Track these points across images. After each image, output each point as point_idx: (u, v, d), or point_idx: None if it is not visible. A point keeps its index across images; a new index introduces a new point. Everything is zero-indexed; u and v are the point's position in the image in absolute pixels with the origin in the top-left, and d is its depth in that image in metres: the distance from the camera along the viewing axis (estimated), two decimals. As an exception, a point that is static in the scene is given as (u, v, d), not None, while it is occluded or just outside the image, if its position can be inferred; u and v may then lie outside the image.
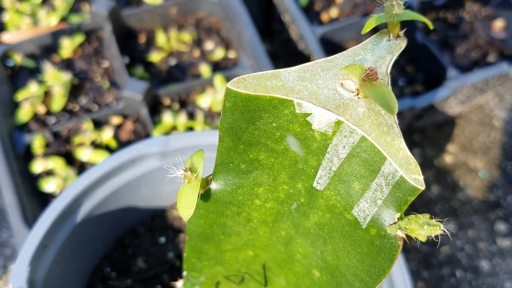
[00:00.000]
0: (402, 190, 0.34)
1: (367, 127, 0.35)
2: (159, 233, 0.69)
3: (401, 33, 0.40)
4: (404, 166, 0.33)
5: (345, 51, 0.39)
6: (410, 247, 1.05)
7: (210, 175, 0.41)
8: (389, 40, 0.39)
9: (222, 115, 0.37)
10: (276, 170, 0.40)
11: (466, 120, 1.23)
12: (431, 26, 0.39)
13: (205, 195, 0.41)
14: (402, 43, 0.40)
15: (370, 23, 0.39)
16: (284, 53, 1.16)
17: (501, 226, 1.10)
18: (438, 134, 1.20)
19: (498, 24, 1.11)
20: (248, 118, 0.36)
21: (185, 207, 0.38)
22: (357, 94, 0.36)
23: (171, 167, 0.39)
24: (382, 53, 0.39)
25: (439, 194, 1.13)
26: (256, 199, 0.42)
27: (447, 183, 1.14)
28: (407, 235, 0.36)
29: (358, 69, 0.35)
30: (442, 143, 1.19)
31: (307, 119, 0.36)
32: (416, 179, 0.33)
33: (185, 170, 0.38)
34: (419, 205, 1.11)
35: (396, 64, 1.08)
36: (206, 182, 0.41)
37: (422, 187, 0.33)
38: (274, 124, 0.37)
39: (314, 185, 0.39)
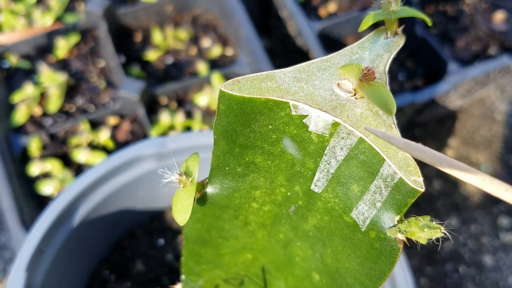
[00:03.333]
0: (401, 192, 0.33)
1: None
2: (158, 235, 0.69)
3: (399, 30, 0.39)
4: (403, 168, 0.33)
5: (341, 50, 0.38)
6: (412, 243, 1.04)
7: (206, 178, 0.40)
8: (387, 38, 0.38)
9: (216, 118, 0.36)
10: (273, 173, 0.39)
11: (468, 113, 1.22)
12: (429, 23, 0.39)
13: (201, 199, 0.41)
14: (400, 41, 0.39)
15: (367, 21, 0.38)
16: (283, 49, 1.15)
17: (504, 221, 1.09)
18: (439, 128, 1.19)
19: (499, 16, 1.09)
20: (243, 121, 0.35)
21: (181, 212, 0.37)
22: (355, 95, 0.35)
23: (166, 172, 0.38)
24: (379, 51, 0.38)
25: (441, 189, 1.12)
26: (254, 202, 0.41)
27: (449, 178, 1.13)
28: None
29: (355, 68, 0.35)
30: (443, 137, 1.18)
31: (304, 121, 0.35)
32: (416, 181, 0.33)
33: (180, 175, 0.38)
34: (421, 200, 1.10)
35: (396, 58, 1.07)
36: (202, 186, 0.40)
37: (422, 189, 0.32)
38: (270, 127, 0.36)
39: (312, 188, 0.38)
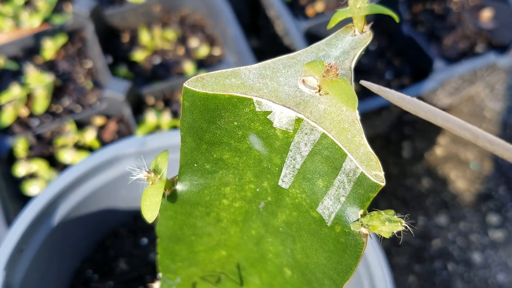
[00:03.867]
0: (363, 186, 0.33)
1: (328, 124, 0.34)
2: (141, 234, 0.69)
3: (367, 27, 0.39)
4: (364, 163, 0.33)
5: (308, 47, 0.38)
6: (401, 241, 1.05)
7: (176, 176, 0.41)
8: (355, 35, 0.39)
9: (181, 115, 0.36)
10: (241, 169, 0.39)
11: (457, 111, 1.22)
12: (396, 19, 0.39)
13: (172, 196, 0.41)
14: (368, 38, 0.39)
15: (335, 18, 0.39)
16: (271, 49, 1.15)
17: (492, 218, 1.09)
18: (429, 126, 1.19)
19: (486, 14, 1.10)
20: (208, 118, 0.36)
21: (149, 209, 0.38)
22: (319, 91, 0.35)
23: (135, 169, 0.38)
24: (346, 48, 0.38)
25: (430, 187, 1.12)
26: (224, 199, 0.41)
27: (438, 175, 1.14)
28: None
29: (318, 65, 0.35)
30: (432, 135, 1.19)
31: (268, 117, 0.35)
32: (377, 175, 0.33)
33: (148, 172, 0.38)
34: (410, 198, 1.10)
35: (383, 57, 1.07)
36: (172, 183, 0.40)
37: (382, 183, 0.33)
38: (236, 123, 0.36)
39: (279, 184, 0.38)
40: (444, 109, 1.18)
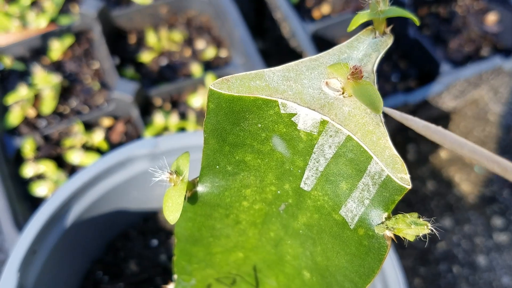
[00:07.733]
0: (389, 189, 0.33)
1: (353, 126, 0.34)
2: (152, 235, 0.69)
3: (388, 30, 0.40)
4: (390, 165, 0.33)
5: (330, 49, 0.38)
6: (406, 244, 1.05)
7: (197, 177, 0.41)
8: (375, 38, 0.39)
9: (206, 117, 0.36)
10: (263, 171, 0.39)
11: (461, 115, 1.22)
12: (417, 22, 0.39)
13: (192, 197, 0.41)
14: (389, 40, 0.39)
15: (356, 21, 0.39)
16: (277, 51, 1.15)
17: (497, 221, 1.10)
18: (433, 129, 1.19)
19: (491, 18, 1.10)
20: (232, 119, 0.36)
21: (171, 211, 0.37)
22: (343, 93, 0.35)
23: (157, 170, 0.38)
24: (368, 50, 0.38)
25: (434, 190, 1.12)
26: (244, 200, 0.41)
27: (443, 178, 1.14)
28: (396, 235, 0.35)
29: (343, 67, 0.35)
30: (437, 138, 1.19)
31: (292, 119, 0.35)
32: (403, 178, 0.33)
33: (170, 173, 0.38)
34: (415, 201, 1.10)
35: (389, 60, 1.07)
36: (192, 184, 0.40)
37: (408, 186, 0.33)
38: (259, 125, 0.36)
39: (301, 186, 0.38)
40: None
